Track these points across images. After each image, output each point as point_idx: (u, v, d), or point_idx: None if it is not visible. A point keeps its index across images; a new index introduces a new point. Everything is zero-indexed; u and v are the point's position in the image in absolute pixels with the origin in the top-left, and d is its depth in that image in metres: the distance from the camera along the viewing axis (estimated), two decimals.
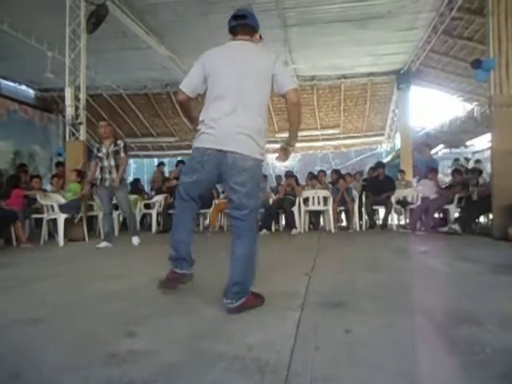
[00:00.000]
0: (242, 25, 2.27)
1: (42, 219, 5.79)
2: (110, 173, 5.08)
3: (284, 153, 2.37)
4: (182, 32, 7.33)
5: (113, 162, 5.08)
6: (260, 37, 2.38)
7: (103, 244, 5.03)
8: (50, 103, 11.32)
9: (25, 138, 10.30)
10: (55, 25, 6.21)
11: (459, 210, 6.33)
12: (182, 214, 2.41)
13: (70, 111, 5.95)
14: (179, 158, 11.86)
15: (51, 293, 2.60)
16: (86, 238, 5.87)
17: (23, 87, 10.70)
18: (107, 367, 1.38)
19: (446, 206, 6.42)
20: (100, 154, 5.11)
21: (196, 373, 1.33)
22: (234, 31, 2.28)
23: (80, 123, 6.01)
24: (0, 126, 9.49)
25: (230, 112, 2.06)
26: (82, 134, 6.07)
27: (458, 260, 3.62)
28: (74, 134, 6.09)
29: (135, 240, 5.33)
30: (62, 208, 5.59)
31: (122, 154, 5.10)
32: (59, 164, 8.77)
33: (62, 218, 5.46)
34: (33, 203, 6.14)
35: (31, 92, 10.98)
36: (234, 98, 2.07)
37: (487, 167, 7.79)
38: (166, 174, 9.92)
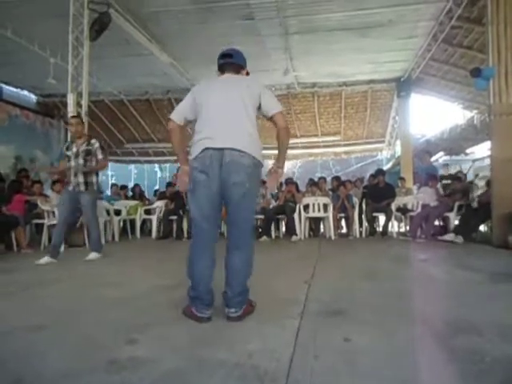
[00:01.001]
0: (230, 63, 2.37)
1: (42, 225, 5.80)
2: (76, 175, 4.36)
3: (274, 176, 2.34)
4: (183, 39, 7.40)
5: (81, 163, 4.39)
6: (247, 73, 2.48)
7: (45, 260, 4.20)
8: (51, 108, 11.37)
9: (26, 143, 10.33)
10: (58, 32, 6.26)
11: (459, 217, 6.33)
12: (200, 244, 2.11)
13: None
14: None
15: (52, 299, 2.61)
16: (87, 244, 5.87)
17: (25, 92, 10.76)
18: (108, 374, 1.39)
19: (447, 214, 6.43)
20: (68, 153, 4.44)
21: (196, 380, 1.33)
22: (221, 69, 2.39)
23: None
24: (1, 131, 9.53)
25: (221, 130, 2.09)
26: None
27: (458, 268, 3.62)
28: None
29: (93, 255, 4.44)
30: None
31: (100, 156, 4.45)
32: None
33: None
34: (33, 208, 6.16)
35: (33, 97, 11.04)
36: (222, 120, 2.12)
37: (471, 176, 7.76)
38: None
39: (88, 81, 6.16)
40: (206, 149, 2.05)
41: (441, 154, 12.12)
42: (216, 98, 2.19)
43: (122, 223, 7.70)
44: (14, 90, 10.36)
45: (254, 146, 2.15)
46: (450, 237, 5.81)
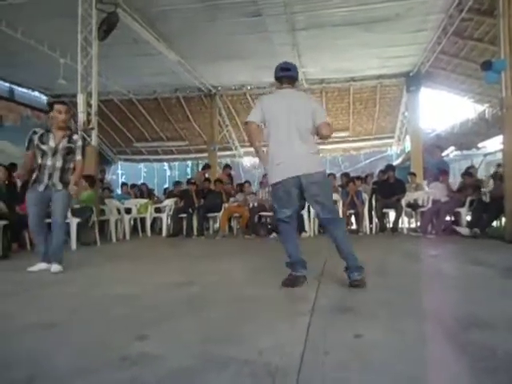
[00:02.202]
0: (288, 76, 2.90)
1: None
2: (51, 176, 3.61)
3: None
4: (191, 37, 7.41)
5: (59, 163, 3.64)
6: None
7: (40, 266, 3.62)
8: None
9: None
10: (67, 32, 6.33)
11: (471, 212, 6.25)
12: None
13: (81, 117, 6.05)
14: (227, 162, 11.98)
15: (64, 297, 2.65)
16: (98, 242, 5.95)
17: (36, 93, 10.90)
18: (119, 370, 1.41)
19: (458, 209, 6.35)
20: (44, 147, 3.61)
21: (206, 377, 1.34)
22: (281, 80, 2.91)
23: (92, 128, 6.11)
24: (14, 132, 9.68)
25: (294, 159, 2.70)
26: (94, 140, 6.17)
27: (470, 263, 3.58)
28: (85, 140, 6.18)
29: (55, 267, 3.58)
30: (75, 213, 5.67)
31: (79, 157, 3.72)
32: None
33: (74, 222, 5.54)
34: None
35: (44, 98, 11.18)
36: (292, 147, 2.71)
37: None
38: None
39: (97, 80, 6.23)
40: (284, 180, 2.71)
41: (451, 148, 11.96)
42: (281, 120, 2.73)
43: (132, 221, 7.76)
44: (26, 90, 10.51)
45: (317, 162, 2.83)
46: (465, 231, 5.75)
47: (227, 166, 9.87)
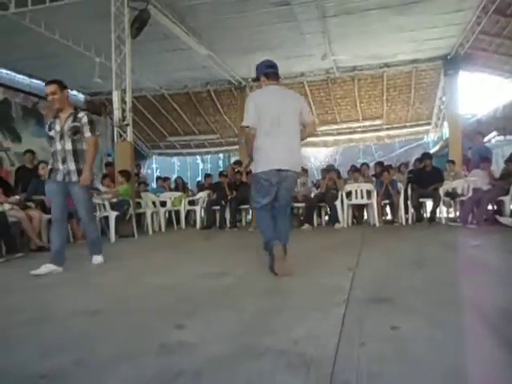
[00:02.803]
0: (274, 73, 3.14)
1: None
2: (65, 161, 3.42)
3: None
4: (220, 31, 7.43)
5: (69, 145, 3.41)
6: None
7: (46, 268, 3.29)
8: (98, 106, 11.92)
9: None
10: (101, 32, 6.52)
11: None
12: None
13: (117, 114, 6.25)
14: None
15: (105, 286, 2.77)
16: (136, 234, 6.16)
17: (74, 92, 11.34)
18: (159, 357, 1.47)
19: (501, 198, 6.04)
20: (51, 133, 3.46)
21: (243, 366, 1.37)
22: (267, 77, 3.11)
23: (127, 125, 6.29)
24: None
25: (281, 155, 2.95)
26: (129, 135, 6.35)
27: None
28: (121, 136, 6.38)
29: (96, 259, 3.70)
30: (113, 206, 5.89)
31: (88, 134, 3.45)
32: (108, 164, 9.25)
33: (113, 215, 5.76)
34: None
35: (81, 96, 11.61)
36: (282, 144, 2.94)
37: None
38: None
39: (131, 77, 6.38)
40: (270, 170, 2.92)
41: (494, 133, 11.35)
42: (273, 116, 2.92)
43: (167, 214, 7.97)
44: None
45: (300, 160, 3.27)
46: (507, 220, 5.48)
47: None
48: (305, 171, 8.16)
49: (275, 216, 3.09)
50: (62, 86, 3.48)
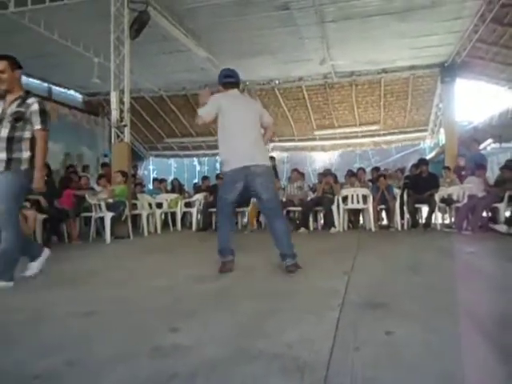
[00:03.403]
0: (232, 82, 3.37)
1: (90, 217, 6.11)
2: None
3: None
4: (219, 33, 7.46)
5: (5, 132, 2.81)
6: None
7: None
8: (96, 107, 11.90)
9: (74, 141, 10.91)
10: (100, 32, 6.52)
11: (511, 208, 5.97)
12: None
13: (115, 114, 6.24)
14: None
15: (100, 287, 2.76)
16: (131, 236, 6.14)
17: (72, 92, 11.32)
18: (153, 360, 1.46)
19: (496, 205, 6.08)
20: None
21: (237, 369, 1.37)
22: (225, 86, 3.34)
23: (125, 125, 6.29)
24: (52, 130, 10.00)
25: (245, 152, 3.07)
26: (127, 136, 6.34)
27: (508, 261, 3.44)
28: (118, 136, 6.37)
29: (33, 266, 3.06)
30: (109, 207, 5.88)
31: (37, 126, 2.89)
32: (104, 165, 9.23)
33: (108, 216, 5.74)
34: (82, 202, 6.50)
35: (79, 96, 11.59)
36: (245, 141, 3.09)
37: None
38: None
39: (129, 78, 6.38)
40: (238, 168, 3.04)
41: (489, 141, 11.43)
42: (238, 117, 3.12)
43: (163, 216, 7.95)
44: (62, 90, 10.93)
45: (266, 156, 3.40)
46: (502, 228, 5.51)
47: None
48: (301, 175, 8.18)
49: (271, 222, 3.16)
50: (14, 65, 2.91)
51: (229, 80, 3.35)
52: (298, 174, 7.94)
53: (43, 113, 2.93)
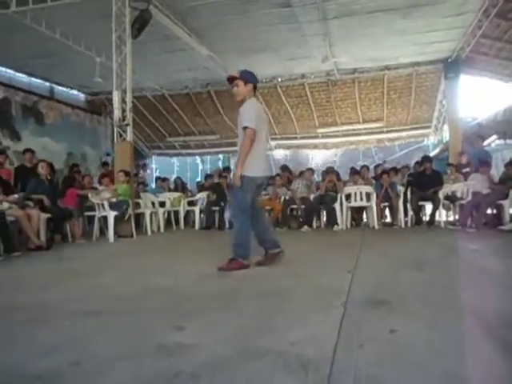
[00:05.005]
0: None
1: (93, 216, 6.13)
2: None
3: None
4: (222, 31, 7.43)
5: None
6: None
7: None
8: (98, 106, 11.91)
9: (77, 140, 10.93)
10: (102, 31, 6.52)
11: None
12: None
13: (117, 113, 6.24)
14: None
15: (104, 286, 2.76)
16: (134, 235, 6.15)
17: (74, 92, 11.33)
18: (157, 358, 1.46)
19: (500, 202, 6.04)
20: None
21: (241, 368, 1.36)
22: (255, 89, 3.32)
23: (127, 124, 6.29)
24: (55, 129, 10.14)
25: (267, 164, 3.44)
26: (129, 135, 6.35)
27: None
28: (121, 135, 6.38)
29: None
30: (112, 206, 5.89)
31: None
32: (105, 164, 9.26)
33: (112, 215, 5.75)
34: (85, 202, 6.52)
35: (82, 96, 11.60)
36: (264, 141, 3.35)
37: None
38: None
39: (131, 77, 6.38)
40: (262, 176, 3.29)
41: (494, 137, 11.36)
42: (262, 128, 3.25)
43: (166, 214, 7.96)
44: (65, 89, 10.95)
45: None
46: (508, 226, 5.47)
47: None
48: (311, 171, 8.16)
49: (257, 222, 3.35)
50: None
51: (257, 84, 3.39)
52: (311, 173, 8.05)
53: None
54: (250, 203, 3.21)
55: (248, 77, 3.24)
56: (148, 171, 11.68)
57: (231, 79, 3.28)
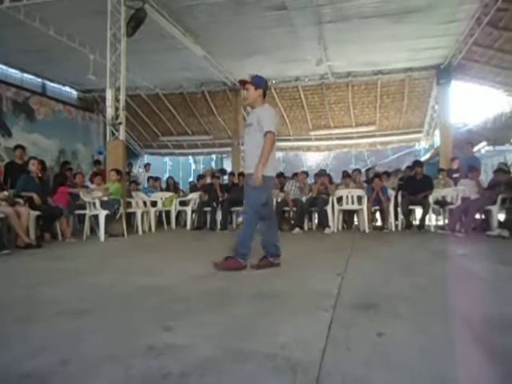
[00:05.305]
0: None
1: (84, 215, 6.08)
2: None
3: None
4: (216, 32, 7.44)
5: None
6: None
7: None
8: (91, 103, 11.83)
9: (68, 137, 10.84)
10: (97, 29, 6.48)
11: (504, 211, 6.01)
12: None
13: (110, 112, 6.20)
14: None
15: (94, 286, 2.75)
16: (125, 234, 6.12)
17: (67, 88, 11.24)
18: (146, 359, 1.46)
19: (489, 207, 6.13)
20: None
21: (230, 369, 1.37)
22: (265, 94, 3.38)
23: (120, 123, 6.25)
24: (46, 126, 10.04)
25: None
26: (122, 134, 6.31)
27: (500, 264, 3.47)
28: (113, 134, 6.34)
29: None
30: (103, 205, 5.85)
31: None
32: (97, 162, 9.18)
33: (103, 214, 5.71)
34: (76, 200, 6.46)
35: (74, 93, 11.52)
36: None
37: None
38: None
39: (125, 76, 6.35)
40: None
41: (483, 144, 11.53)
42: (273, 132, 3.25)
43: (157, 214, 7.92)
44: (57, 86, 10.86)
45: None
46: (496, 231, 5.55)
47: None
48: (305, 174, 8.19)
49: (269, 225, 3.41)
50: None
51: (266, 90, 3.44)
52: (305, 176, 8.06)
53: None
54: (263, 203, 3.26)
55: (259, 82, 3.32)
56: (133, 170, 11.58)
57: (243, 83, 3.37)
